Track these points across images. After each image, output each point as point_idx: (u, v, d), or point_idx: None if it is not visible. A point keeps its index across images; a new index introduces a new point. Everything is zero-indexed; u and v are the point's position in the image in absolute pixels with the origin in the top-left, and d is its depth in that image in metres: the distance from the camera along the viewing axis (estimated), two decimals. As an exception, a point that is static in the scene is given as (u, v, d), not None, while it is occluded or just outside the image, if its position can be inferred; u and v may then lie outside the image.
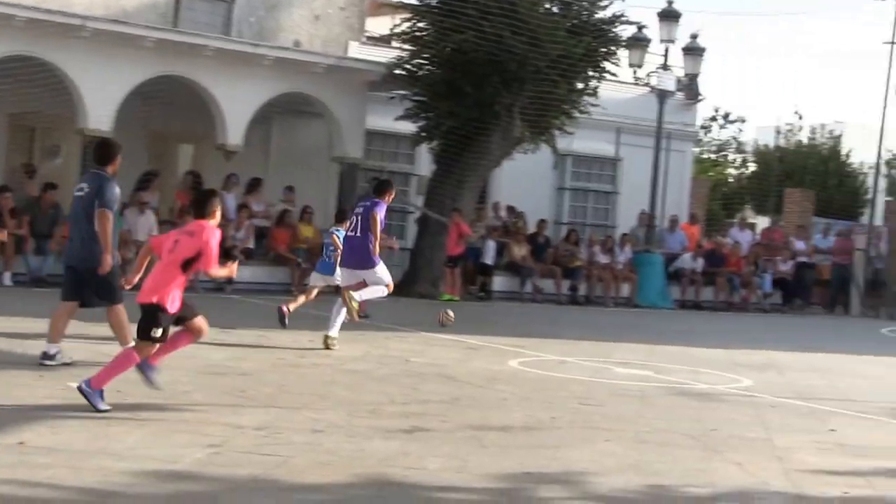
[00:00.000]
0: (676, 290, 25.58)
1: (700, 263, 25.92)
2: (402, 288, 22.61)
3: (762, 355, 15.86)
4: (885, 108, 29.39)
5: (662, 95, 25.22)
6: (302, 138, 24.67)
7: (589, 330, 18.07)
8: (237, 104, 21.72)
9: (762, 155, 40.06)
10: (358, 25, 24.38)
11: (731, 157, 42.16)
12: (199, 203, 8.81)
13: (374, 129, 24.36)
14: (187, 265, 8.35)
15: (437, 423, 8.65)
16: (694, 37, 26.73)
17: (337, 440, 7.70)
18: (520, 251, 24.21)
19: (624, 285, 24.90)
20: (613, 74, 23.53)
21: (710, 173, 39.59)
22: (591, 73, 23.28)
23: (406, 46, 23.09)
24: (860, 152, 38.53)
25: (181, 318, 8.52)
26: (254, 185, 22.61)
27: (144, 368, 8.35)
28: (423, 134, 23.04)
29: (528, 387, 11.09)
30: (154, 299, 8.22)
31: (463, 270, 22.98)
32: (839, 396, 12.00)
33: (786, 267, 27.22)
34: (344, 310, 12.55)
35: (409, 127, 23.21)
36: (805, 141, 40.44)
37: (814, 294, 28.29)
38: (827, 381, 13.43)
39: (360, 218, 12.55)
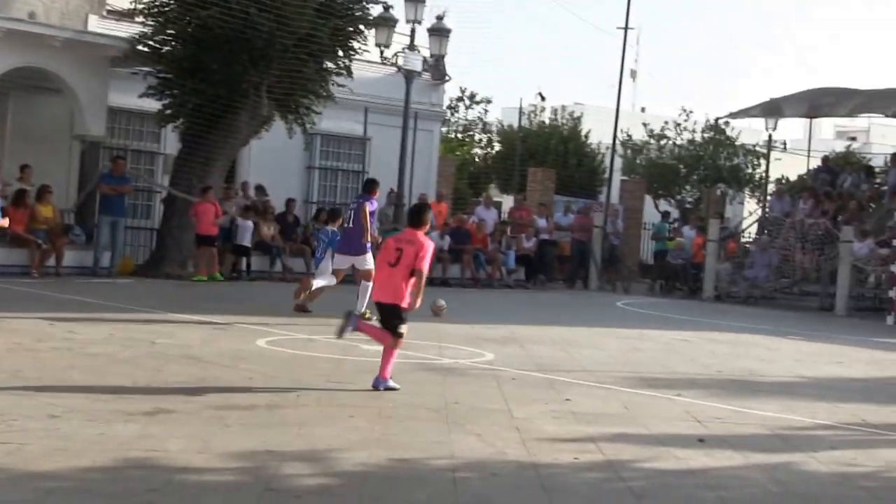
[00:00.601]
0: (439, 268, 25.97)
1: (447, 241, 26.43)
2: (149, 268, 22.22)
3: (505, 330, 16.34)
4: (619, 90, 30.69)
5: (409, 75, 25.52)
6: (41, 115, 23.68)
7: (338, 308, 18.11)
8: (-34, 78, 20.71)
9: (507, 135, 41.14)
10: (98, -2, 23.64)
11: (477, 136, 43.05)
12: None
13: (118, 107, 23.71)
14: None
15: (180, 404, 8.56)
16: (440, 18, 27.13)
17: (75, 425, 7.52)
18: (268, 230, 24.10)
19: (373, 263, 25.13)
20: (358, 53, 23.64)
21: (457, 153, 40.35)
22: (339, 53, 23.34)
23: (149, 22, 22.52)
24: (598, 133, 40.14)
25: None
26: (-13, 164, 21.64)
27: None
28: (169, 112, 22.54)
29: (274, 366, 11.11)
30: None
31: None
32: (576, 368, 12.52)
33: (529, 244, 28.12)
34: (369, 288, 14.15)
35: (154, 104, 22.66)
36: (547, 122, 41.77)
37: (555, 270, 29.36)
38: (565, 353, 13.98)
39: (353, 213, 15.30)
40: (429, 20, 26.84)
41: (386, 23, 25.34)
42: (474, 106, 42.75)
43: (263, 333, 13.61)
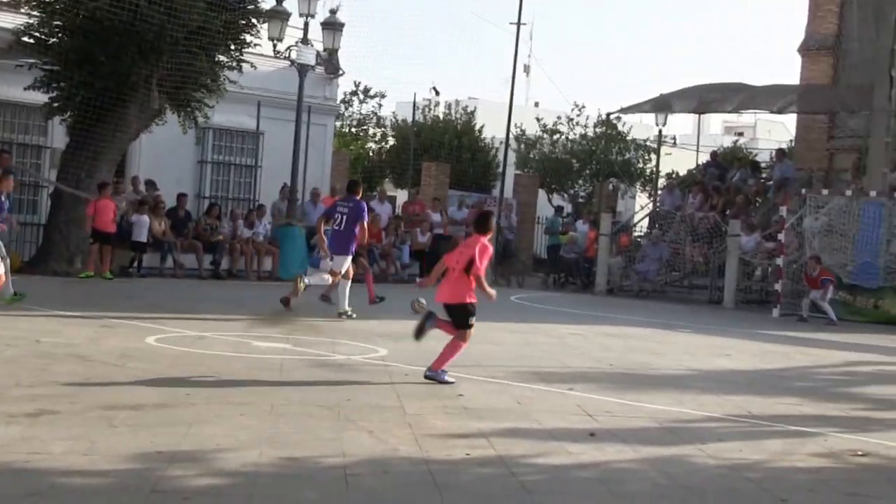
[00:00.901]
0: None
1: (341, 236, 26.27)
2: (35, 265, 21.72)
3: (399, 325, 16.27)
4: (512, 85, 30.89)
5: (303, 69, 25.35)
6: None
7: (230, 304, 18.01)
8: None
9: (401, 129, 41.11)
10: (-19, -11, 23.03)
11: (371, 131, 42.96)
12: None
13: (2, 99, 23.24)
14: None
15: (65, 404, 8.36)
16: (333, 12, 27.00)
17: (-46, 428, 7.31)
18: (160, 226, 23.73)
19: (266, 259, 24.93)
20: (251, 46, 23.41)
21: (352, 147, 40.21)
22: (231, 46, 23.07)
23: (35, 12, 21.99)
24: (492, 127, 40.35)
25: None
26: None
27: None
28: (56, 105, 22.05)
29: (164, 364, 10.92)
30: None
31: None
32: (469, 363, 12.52)
33: (423, 238, 28.13)
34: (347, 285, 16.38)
35: (40, 97, 22.15)
36: (441, 116, 41.84)
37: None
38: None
39: (343, 216, 15.94)
40: (322, 14, 26.73)
41: (278, 16, 25.13)
42: (368, 100, 42.68)
43: (153, 331, 13.39)
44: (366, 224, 16.42)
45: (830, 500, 7.08)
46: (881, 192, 23.72)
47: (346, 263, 16.30)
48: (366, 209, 16.58)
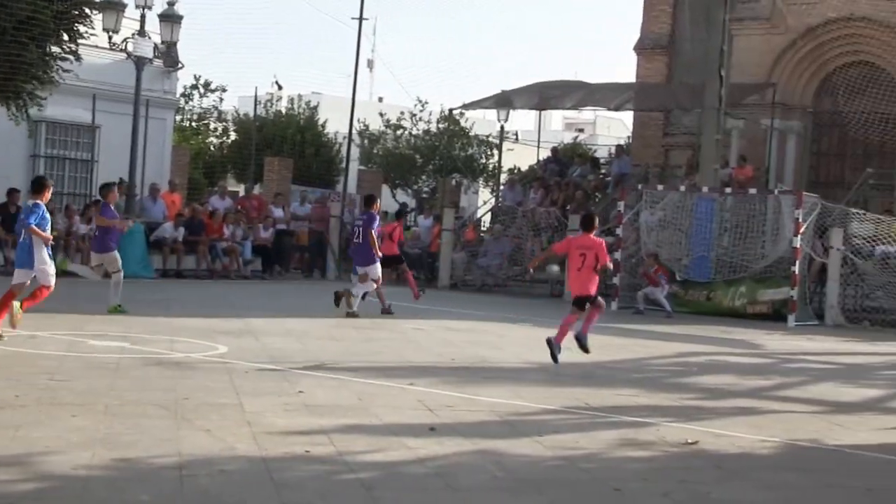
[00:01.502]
0: (158, 260, 25.34)
1: (181, 232, 25.86)
2: None
3: (240, 322, 16.13)
4: (355, 80, 30.82)
5: (140, 62, 24.81)
6: None
7: (64, 302, 17.45)
8: None
9: (243, 124, 40.60)
10: None
11: (212, 125, 42.29)
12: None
13: None
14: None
15: None
16: (171, 4, 26.46)
17: None
18: (-10, 222, 22.94)
19: (103, 255, 24.29)
20: (84, 37, 22.76)
21: (192, 142, 39.53)
22: (64, 37, 22.38)
23: None
24: (335, 123, 40.19)
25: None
26: None
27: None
28: None
29: (-8, 365, 10.57)
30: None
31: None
32: (311, 359, 12.47)
33: (266, 234, 27.83)
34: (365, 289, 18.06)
35: None
36: (284, 111, 41.49)
37: (293, 260, 29.21)
38: (301, 344, 13.92)
39: (360, 228, 17.81)
40: (160, 6, 26.19)
41: (114, 7, 24.51)
42: (209, 94, 41.99)
43: (-19, 331, 12.91)
44: (374, 234, 17.74)
45: (662, 487, 7.25)
46: (713, 187, 24.42)
47: (378, 269, 17.96)
48: (374, 219, 17.94)
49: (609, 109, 34.91)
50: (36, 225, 12.83)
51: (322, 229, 29.00)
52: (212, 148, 41.38)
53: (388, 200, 38.32)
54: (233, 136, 41.29)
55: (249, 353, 12.51)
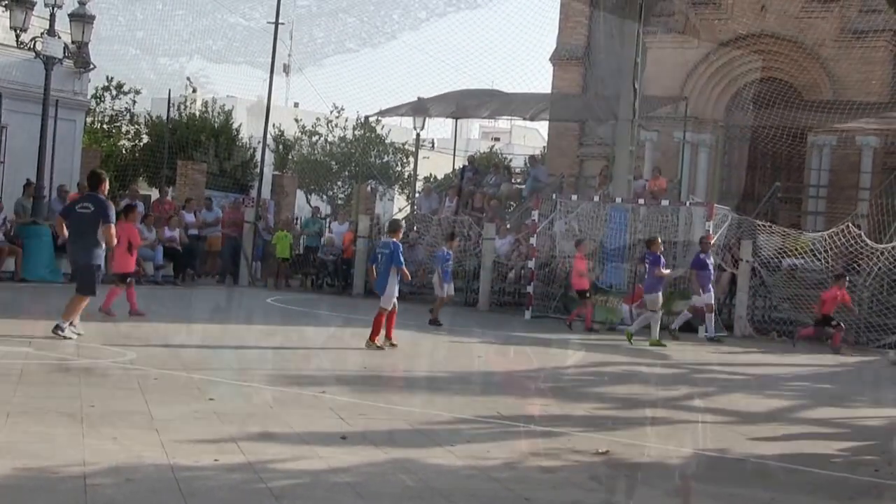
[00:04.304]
0: (66, 264, 24.82)
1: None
2: None
3: (149, 328, 15.89)
4: (270, 85, 30.55)
5: (49, 62, 24.36)
6: None
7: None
8: None
9: (156, 127, 40.06)
10: None
11: (124, 128, 41.66)
12: None
13: None
14: None
15: None
16: (82, 3, 26.00)
17: None
18: None
19: (9, 259, 23.81)
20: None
21: (103, 144, 38.89)
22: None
23: None
24: (250, 127, 39.86)
25: None
26: None
27: None
28: None
29: None
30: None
31: None
32: (223, 366, 12.35)
33: (171, 233, 27.35)
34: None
35: None
36: (198, 115, 41.02)
37: (206, 265, 28.87)
38: (212, 351, 13.77)
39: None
40: (71, 5, 25.73)
41: (21, 5, 24.02)
42: (122, 96, 41.36)
43: None
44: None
45: (571, 496, 7.27)
46: (626, 198, 24.66)
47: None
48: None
49: (525, 119, 35.06)
50: None
51: (236, 235, 28.67)
52: (124, 151, 40.75)
53: (303, 205, 38.13)
54: (145, 138, 40.72)
55: (159, 360, 12.32)
